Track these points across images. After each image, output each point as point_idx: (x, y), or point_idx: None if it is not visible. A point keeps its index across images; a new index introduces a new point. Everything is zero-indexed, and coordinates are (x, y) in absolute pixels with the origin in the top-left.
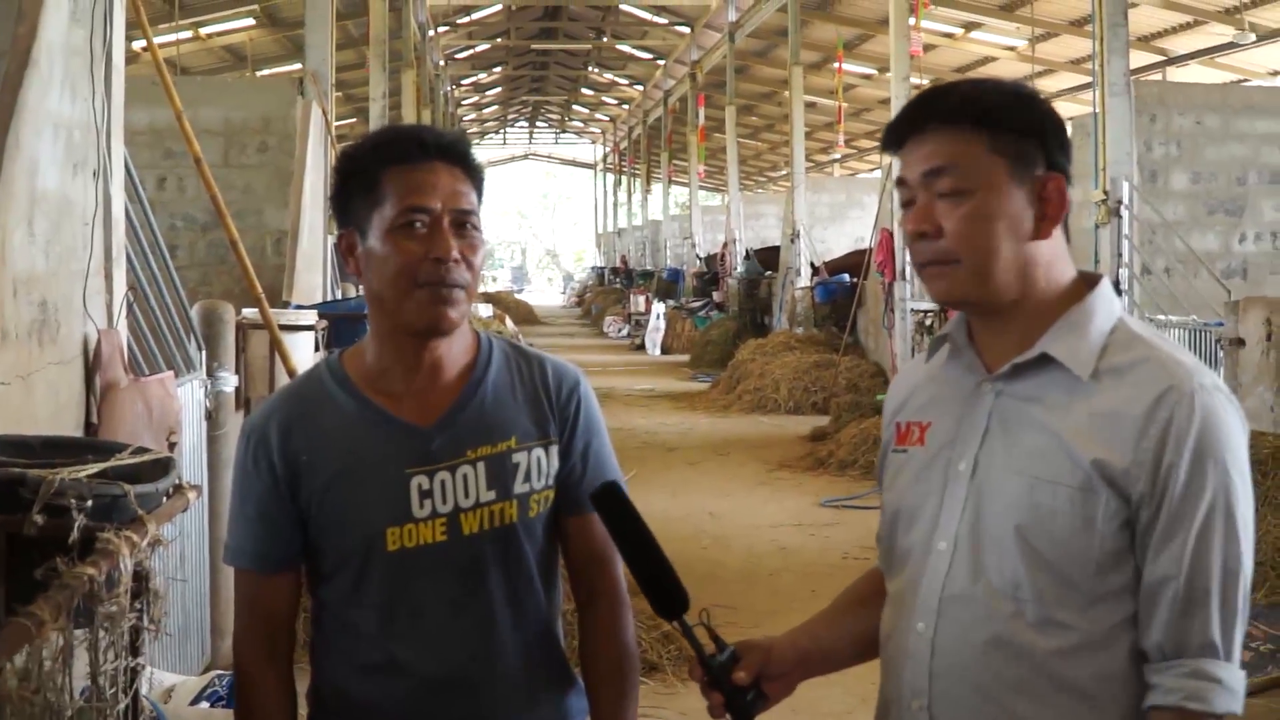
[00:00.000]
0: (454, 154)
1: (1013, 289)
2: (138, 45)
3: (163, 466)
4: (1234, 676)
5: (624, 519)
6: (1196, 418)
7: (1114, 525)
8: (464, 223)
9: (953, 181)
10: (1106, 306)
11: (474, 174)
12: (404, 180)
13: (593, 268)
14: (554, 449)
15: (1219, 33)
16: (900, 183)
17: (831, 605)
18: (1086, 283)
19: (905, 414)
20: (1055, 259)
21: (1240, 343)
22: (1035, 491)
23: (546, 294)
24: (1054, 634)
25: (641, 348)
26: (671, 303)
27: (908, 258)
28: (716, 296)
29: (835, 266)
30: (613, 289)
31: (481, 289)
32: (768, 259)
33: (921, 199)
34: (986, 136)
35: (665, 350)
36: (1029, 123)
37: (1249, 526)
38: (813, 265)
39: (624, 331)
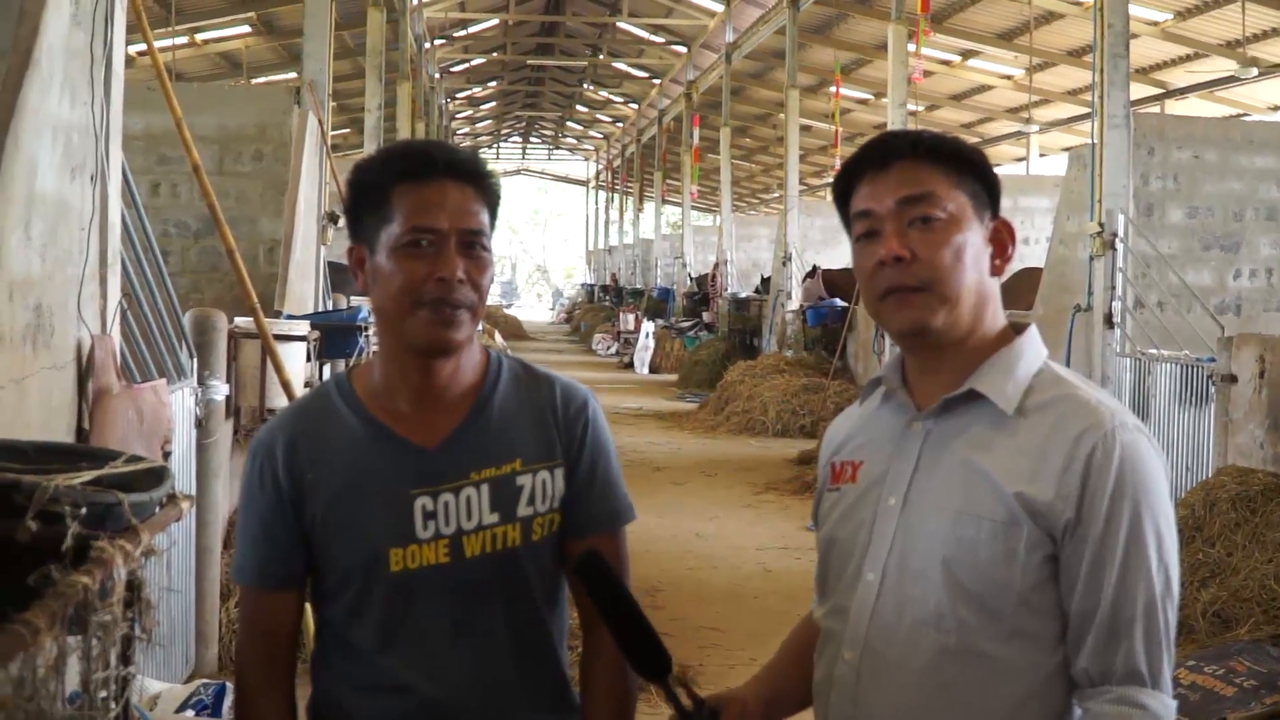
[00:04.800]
0: (465, 172)
1: (968, 322)
2: (134, 50)
3: (157, 476)
4: (1161, 704)
5: (605, 586)
6: (1117, 454)
7: (1036, 558)
8: (472, 243)
9: (928, 208)
10: (1034, 350)
11: (487, 193)
12: (412, 198)
13: (582, 285)
14: (560, 471)
15: (1220, 67)
16: (863, 215)
17: (780, 652)
18: (1015, 330)
19: (840, 455)
20: (999, 301)
21: (1232, 379)
22: (960, 524)
23: (535, 310)
24: (975, 664)
25: (630, 366)
26: (661, 322)
27: None
28: (706, 317)
29: (831, 277)
30: (602, 306)
31: None
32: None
33: (892, 226)
34: (950, 174)
35: (653, 369)
36: (982, 170)
37: (1172, 559)
38: (814, 267)
39: (612, 349)
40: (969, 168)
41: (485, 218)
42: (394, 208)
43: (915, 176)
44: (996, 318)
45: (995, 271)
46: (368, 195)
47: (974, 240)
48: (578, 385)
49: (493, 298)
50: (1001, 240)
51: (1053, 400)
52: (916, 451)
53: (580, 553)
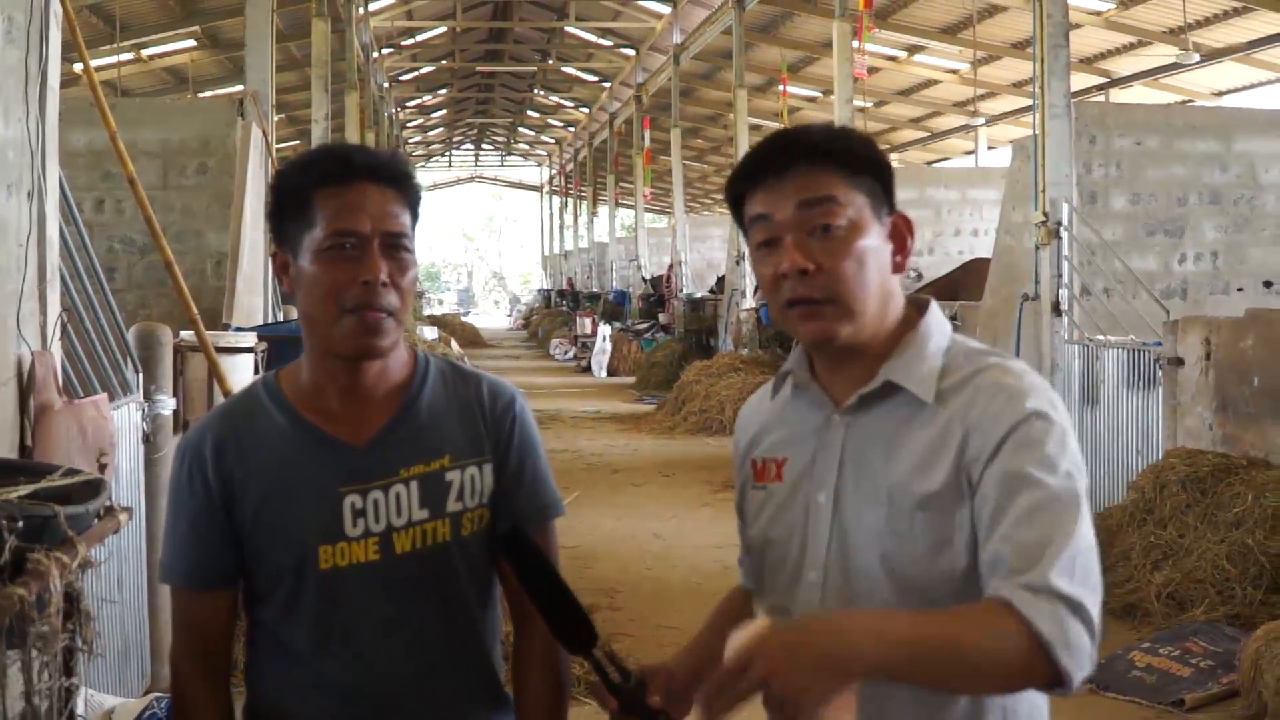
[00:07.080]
0: (385, 174)
1: (874, 325)
2: (77, 67)
3: (93, 488)
4: (1072, 626)
5: (530, 561)
6: (1018, 407)
7: (964, 538)
8: (395, 245)
9: (827, 216)
10: (939, 327)
11: (408, 194)
12: (334, 202)
13: (539, 290)
14: (488, 467)
15: (1163, 54)
16: (761, 220)
17: (708, 624)
18: (917, 309)
19: (759, 451)
20: (900, 292)
21: (1179, 362)
22: (892, 519)
23: (493, 316)
24: None
25: (587, 370)
26: (617, 325)
27: None
28: (662, 318)
29: None
30: (559, 311)
31: (427, 312)
32: None
33: (793, 237)
34: (847, 176)
35: (611, 372)
36: (876, 163)
37: (1077, 472)
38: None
39: (570, 354)
40: (865, 166)
41: (407, 219)
42: (316, 212)
43: (813, 181)
44: (898, 307)
45: (897, 269)
46: (290, 200)
47: (874, 244)
48: (504, 383)
49: (450, 306)
50: (900, 235)
51: (965, 380)
52: (839, 447)
53: (503, 529)
